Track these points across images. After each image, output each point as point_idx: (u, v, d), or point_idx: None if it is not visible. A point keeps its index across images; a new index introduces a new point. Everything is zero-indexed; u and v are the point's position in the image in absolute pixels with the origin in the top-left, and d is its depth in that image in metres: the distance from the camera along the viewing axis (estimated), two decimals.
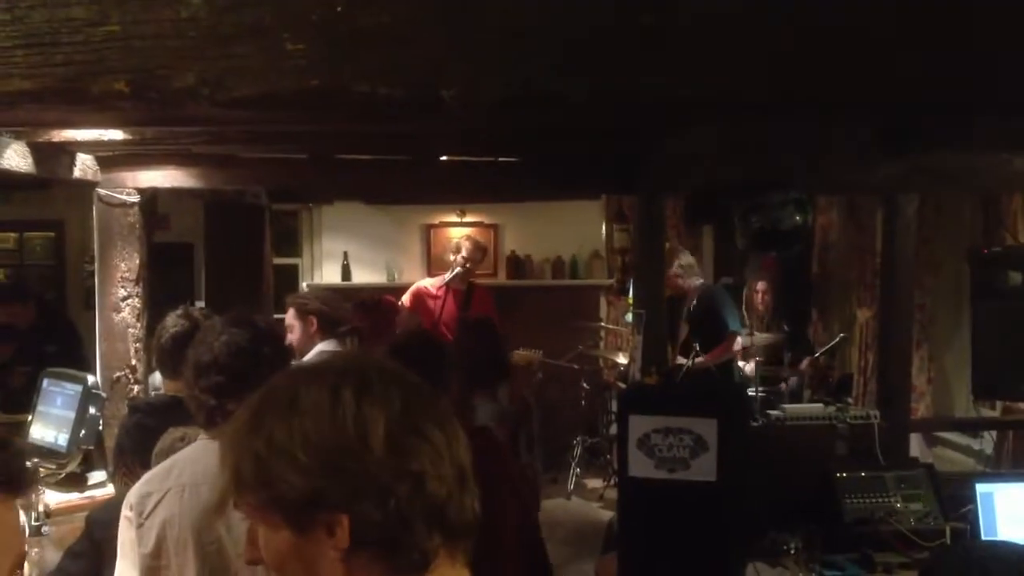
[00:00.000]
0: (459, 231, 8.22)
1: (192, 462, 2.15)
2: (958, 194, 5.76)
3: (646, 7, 1.62)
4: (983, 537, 3.32)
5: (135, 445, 3.02)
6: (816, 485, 3.66)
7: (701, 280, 6.62)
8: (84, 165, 4.50)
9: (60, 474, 3.59)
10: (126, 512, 2.12)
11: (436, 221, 8.66)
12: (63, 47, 1.68)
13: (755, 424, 4.16)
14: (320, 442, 1.12)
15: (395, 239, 8.69)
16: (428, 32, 1.70)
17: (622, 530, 3.32)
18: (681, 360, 5.94)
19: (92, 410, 3.45)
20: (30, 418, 3.64)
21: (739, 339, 6.17)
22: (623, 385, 6.63)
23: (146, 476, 2.21)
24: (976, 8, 1.67)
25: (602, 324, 8.39)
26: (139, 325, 4.70)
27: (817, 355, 6.74)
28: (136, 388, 4.65)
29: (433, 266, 8.37)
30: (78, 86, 1.78)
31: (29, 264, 8.90)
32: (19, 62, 1.71)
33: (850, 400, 5.74)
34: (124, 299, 4.68)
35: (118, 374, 4.64)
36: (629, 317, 7.12)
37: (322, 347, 4.33)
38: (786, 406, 4.63)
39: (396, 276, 8.52)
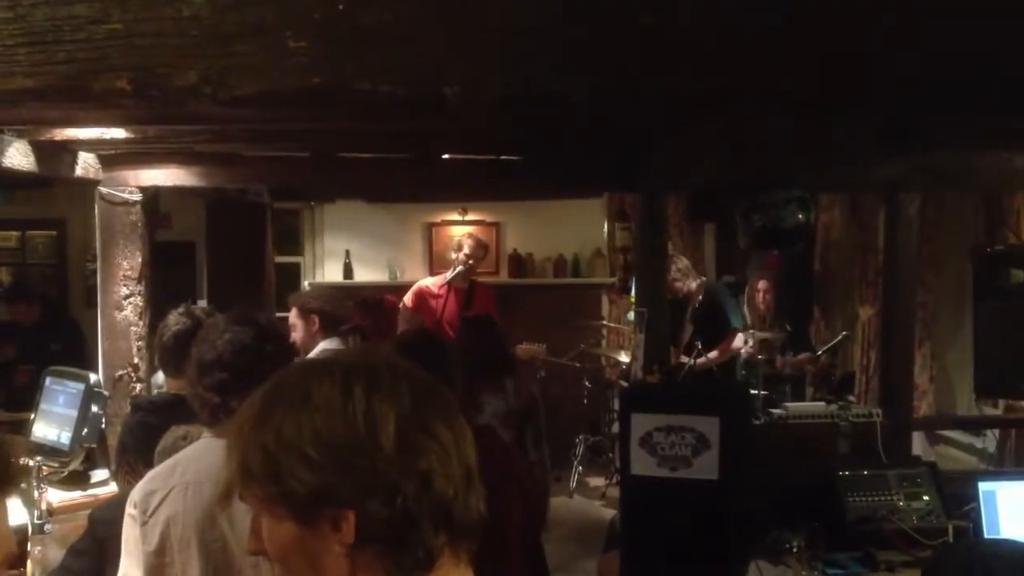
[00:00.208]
0: (461, 229, 8.22)
1: (196, 460, 2.15)
2: (960, 192, 5.75)
3: (646, 7, 1.62)
4: (986, 535, 3.31)
5: (138, 443, 3.02)
6: (818, 483, 3.66)
7: (699, 280, 6.61)
8: (86, 164, 4.50)
9: (63, 472, 3.59)
10: (130, 510, 2.12)
11: (438, 219, 8.66)
12: (65, 45, 1.68)
13: (757, 422, 4.16)
14: (330, 438, 1.11)
15: (397, 237, 8.70)
16: (429, 31, 1.70)
17: (624, 528, 3.32)
18: (684, 359, 5.94)
19: (94, 408, 3.45)
20: (33, 416, 3.64)
21: (740, 336, 6.16)
22: (625, 383, 6.63)
23: (150, 474, 2.21)
24: None
25: (604, 322, 8.39)
26: (141, 323, 4.71)
27: (819, 353, 6.74)
28: (138, 386, 4.66)
29: (435, 264, 8.37)
30: (80, 84, 1.78)
31: (31, 263, 8.91)
32: (22, 60, 1.72)
33: (852, 398, 5.73)
34: (126, 297, 4.69)
35: (120, 372, 4.65)
36: (631, 315, 7.12)
37: (324, 345, 4.34)
38: (788, 404, 4.63)
39: (398, 274, 8.53)
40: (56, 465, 3.53)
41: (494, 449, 2.77)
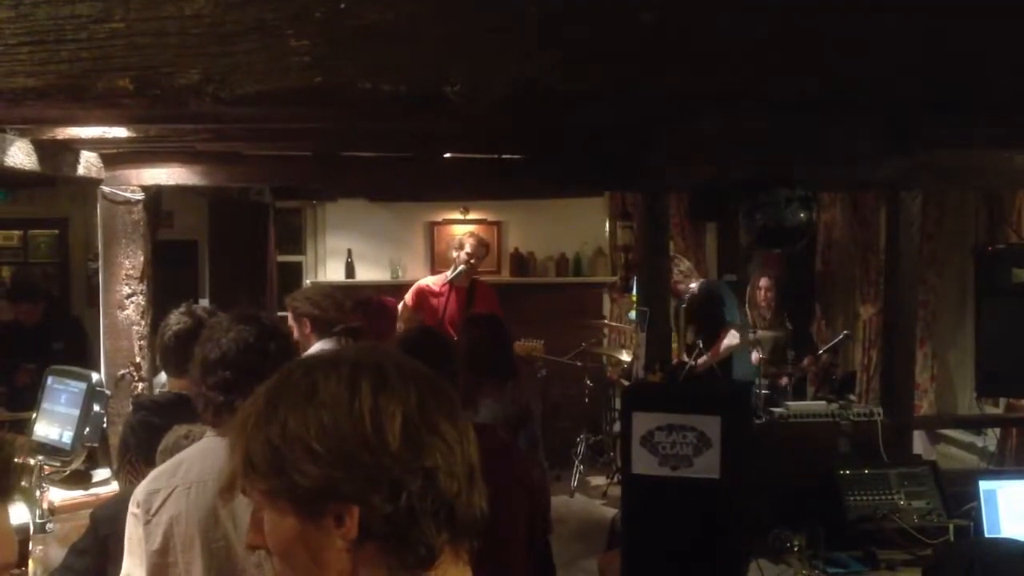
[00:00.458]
0: (462, 228, 8.22)
1: (200, 459, 2.15)
2: (962, 191, 5.75)
3: (646, 6, 1.62)
4: (986, 534, 3.31)
5: (140, 442, 3.03)
6: (819, 482, 3.66)
7: (701, 281, 6.59)
8: (88, 163, 4.51)
9: (64, 471, 3.59)
10: (133, 509, 2.12)
11: (440, 218, 8.66)
12: (68, 44, 1.68)
13: (758, 421, 4.15)
14: (336, 433, 1.11)
15: (399, 236, 8.70)
16: (430, 30, 1.70)
17: (625, 527, 3.32)
18: (685, 359, 5.93)
19: (96, 407, 3.45)
20: (34, 415, 3.65)
21: (732, 332, 6.10)
22: (626, 382, 6.63)
23: (153, 473, 2.21)
24: None
25: (606, 321, 8.39)
26: (143, 322, 4.71)
27: (820, 352, 6.74)
28: (140, 385, 4.66)
29: (436, 263, 8.37)
30: (83, 83, 1.79)
31: (33, 262, 8.91)
32: (24, 59, 1.72)
33: (853, 397, 5.71)
34: (128, 296, 4.69)
35: (122, 371, 4.65)
36: (633, 314, 7.12)
37: (319, 346, 4.32)
38: (789, 403, 4.62)
39: (400, 273, 8.53)
40: (58, 464, 3.53)
41: (494, 448, 2.77)
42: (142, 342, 4.69)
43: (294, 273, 8.63)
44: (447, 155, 4.87)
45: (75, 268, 8.76)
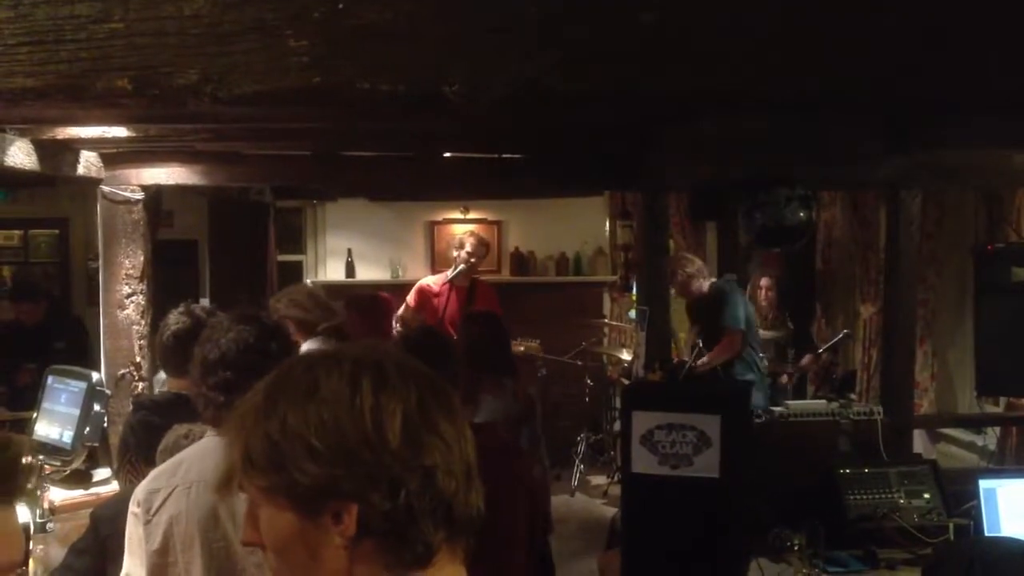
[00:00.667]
0: (463, 228, 8.23)
1: (200, 459, 2.15)
2: (961, 191, 5.75)
3: (646, 6, 1.62)
4: (986, 533, 3.31)
5: (140, 442, 3.03)
6: (819, 481, 3.66)
7: (711, 280, 6.56)
8: (88, 162, 4.51)
9: (65, 471, 3.60)
10: (133, 508, 2.12)
11: (440, 218, 8.67)
12: (67, 44, 1.69)
13: (758, 420, 4.15)
14: (336, 430, 1.11)
15: (399, 236, 8.70)
16: (429, 30, 1.70)
17: (625, 526, 3.32)
18: (685, 359, 5.92)
19: (96, 407, 3.46)
20: (35, 415, 3.65)
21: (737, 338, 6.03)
22: (627, 381, 6.62)
23: (153, 473, 2.21)
24: None
25: (606, 321, 8.39)
26: (143, 322, 4.71)
27: (820, 351, 6.73)
28: (140, 385, 4.67)
29: (437, 263, 8.37)
30: (82, 83, 1.79)
31: (34, 262, 8.92)
32: (23, 59, 1.72)
33: (853, 396, 5.71)
34: (128, 296, 4.69)
35: (122, 371, 4.66)
36: (633, 313, 7.12)
37: (306, 346, 4.29)
38: (789, 402, 4.62)
39: (400, 273, 8.53)
40: (58, 464, 3.54)
41: (494, 447, 2.77)
42: (142, 342, 4.69)
43: (294, 273, 8.62)
44: (447, 155, 4.87)
45: (75, 268, 8.77)
